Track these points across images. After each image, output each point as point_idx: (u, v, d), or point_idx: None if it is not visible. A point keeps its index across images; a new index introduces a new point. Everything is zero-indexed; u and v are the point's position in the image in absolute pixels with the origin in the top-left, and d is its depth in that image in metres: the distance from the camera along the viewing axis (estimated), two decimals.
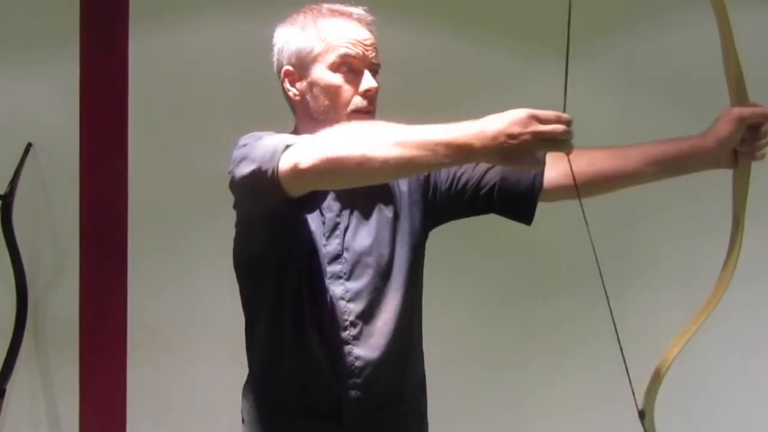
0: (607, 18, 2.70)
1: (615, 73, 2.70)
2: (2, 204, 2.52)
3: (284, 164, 1.20)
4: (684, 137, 1.45)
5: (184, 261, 2.65)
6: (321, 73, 1.41)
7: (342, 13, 1.42)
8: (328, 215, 1.43)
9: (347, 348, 1.40)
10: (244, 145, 1.33)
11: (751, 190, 2.85)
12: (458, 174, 1.49)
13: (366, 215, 1.45)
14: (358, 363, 1.41)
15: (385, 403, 1.44)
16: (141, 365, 2.65)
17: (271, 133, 1.37)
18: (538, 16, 2.67)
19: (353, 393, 1.41)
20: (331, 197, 1.43)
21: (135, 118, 2.60)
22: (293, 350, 1.42)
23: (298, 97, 1.47)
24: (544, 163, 1.36)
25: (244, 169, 1.26)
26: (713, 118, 2.80)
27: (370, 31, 1.42)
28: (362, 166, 1.14)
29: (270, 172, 1.21)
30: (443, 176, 1.50)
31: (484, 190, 1.47)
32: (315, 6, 1.46)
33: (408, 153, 1.13)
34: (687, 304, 2.73)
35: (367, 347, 1.41)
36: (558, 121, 1.15)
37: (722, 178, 2.82)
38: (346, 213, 1.44)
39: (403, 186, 1.49)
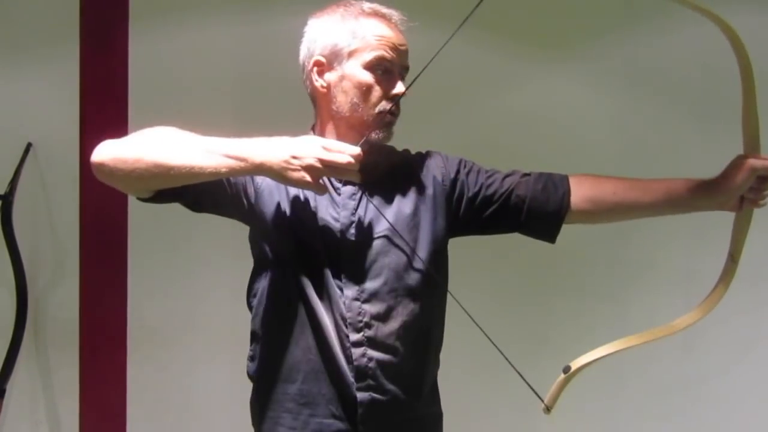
0: (607, 18, 2.70)
1: (615, 73, 2.70)
2: (2, 204, 2.52)
3: (92, 157, 1.37)
4: (699, 180, 1.52)
5: (184, 261, 2.65)
6: (355, 70, 1.42)
7: (383, 15, 1.44)
8: (343, 213, 1.43)
9: (361, 350, 1.39)
10: None
11: None
12: (485, 187, 1.50)
13: (385, 214, 1.45)
14: (371, 365, 1.40)
15: (400, 405, 1.43)
16: (141, 365, 2.65)
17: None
18: (538, 16, 2.68)
19: (367, 395, 1.40)
20: (346, 195, 1.44)
21: (135, 118, 2.60)
22: (306, 350, 1.41)
23: (324, 89, 1.47)
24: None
25: None
26: (712, 118, 2.82)
27: (404, 34, 1.46)
28: (156, 167, 1.33)
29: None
30: (471, 187, 1.50)
31: (512, 209, 1.49)
32: (355, 2, 1.46)
33: (197, 160, 1.34)
34: (686, 306, 2.74)
35: (381, 349, 1.40)
36: (344, 152, 1.29)
37: None
38: (362, 211, 1.44)
39: (428, 189, 1.48)
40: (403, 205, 1.46)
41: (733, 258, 1.45)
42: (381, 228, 1.43)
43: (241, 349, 2.55)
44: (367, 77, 1.41)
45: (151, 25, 2.61)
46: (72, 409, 2.62)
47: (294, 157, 1.29)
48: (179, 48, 2.62)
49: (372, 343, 1.40)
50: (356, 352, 1.39)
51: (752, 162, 1.44)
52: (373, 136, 1.42)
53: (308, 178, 1.28)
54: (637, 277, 2.73)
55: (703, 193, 1.51)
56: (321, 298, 1.40)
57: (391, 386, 1.41)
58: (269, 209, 1.45)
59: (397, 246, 1.43)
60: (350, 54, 1.42)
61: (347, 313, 1.39)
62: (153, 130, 1.42)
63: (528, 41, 2.67)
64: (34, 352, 2.62)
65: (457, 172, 1.51)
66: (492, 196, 1.49)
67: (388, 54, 1.41)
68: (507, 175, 1.52)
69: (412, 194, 1.47)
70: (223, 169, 1.33)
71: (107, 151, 1.37)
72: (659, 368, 2.73)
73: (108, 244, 2.63)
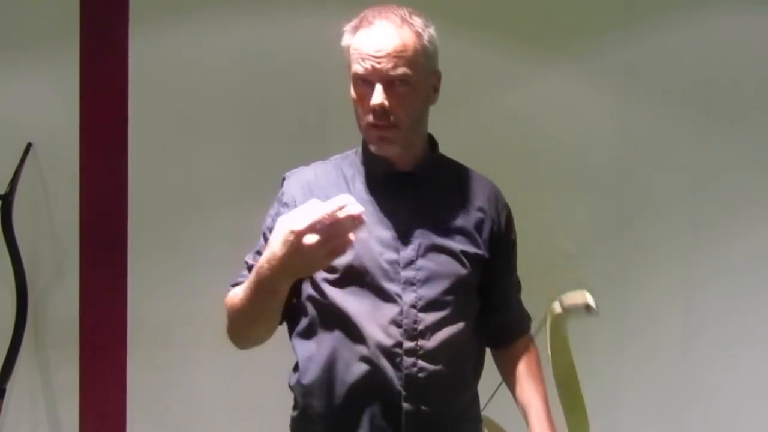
0: (607, 18, 2.70)
1: (615, 73, 2.70)
2: (2, 204, 2.52)
3: None
4: (530, 414, 1.56)
5: (184, 261, 2.65)
6: (351, 87, 1.44)
7: (369, 23, 1.40)
8: (403, 220, 1.43)
9: (412, 359, 1.38)
10: None
11: (750, 190, 2.86)
12: (494, 275, 1.54)
13: (441, 225, 1.46)
14: (422, 375, 1.38)
15: (444, 417, 1.42)
16: (141, 365, 2.65)
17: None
18: (538, 16, 2.68)
19: (413, 406, 1.38)
20: (404, 204, 1.45)
21: (135, 118, 2.60)
22: (355, 356, 1.39)
23: None
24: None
25: None
26: (712, 118, 2.82)
27: (401, 36, 1.37)
28: (244, 336, 1.43)
29: None
30: (495, 258, 1.53)
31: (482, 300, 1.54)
32: (367, 12, 1.43)
33: (249, 311, 1.33)
34: (685, 305, 2.75)
35: (432, 360, 1.38)
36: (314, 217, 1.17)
37: (721, 178, 2.83)
38: (419, 219, 1.45)
39: (483, 216, 1.51)
40: (459, 217, 1.48)
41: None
42: (439, 238, 1.44)
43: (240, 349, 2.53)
44: (353, 93, 1.43)
45: (151, 25, 2.61)
46: (72, 409, 2.62)
47: (292, 257, 1.18)
48: (179, 48, 2.62)
49: (424, 352, 1.38)
50: (407, 361, 1.37)
51: None
52: (371, 149, 1.45)
53: (323, 260, 1.19)
54: (636, 276, 2.73)
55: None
56: (374, 306, 1.38)
57: (438, 398, 1.40)
58: None
59: (452, 257, 1.44)
60: (349, 72, 1.44)
61: (404, 320, 1.38)
62: (226, 299, 1.46)
63: (528, 41, 2.67)
64: (34, 352, 2.62)
65: (507, 229, 1.56)
66: (489, 280, 1.53)
67: (360, 67, 1.38)
68: (507, 288, 1.61)
69: (468, 210, 1.50)
70: (270, 294, 1.29)
71: (228, 332, 1.45)
72: (659, 368, 2.73)
73: (108, 244, 2.63)
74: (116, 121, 2.60)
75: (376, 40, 1.37)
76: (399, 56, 1.36)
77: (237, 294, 1.36)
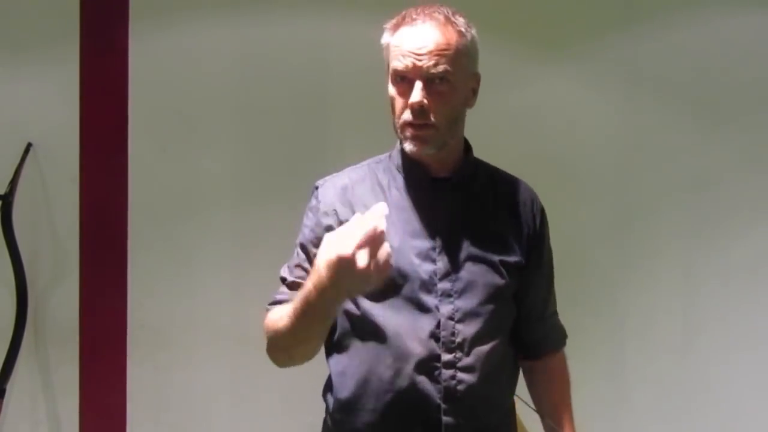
0: (607, 18, 2.70)
1: (615, 73, 2.70)
2: (2, 204, 2.52)
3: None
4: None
5: (184, 261, 2.64)
6: (388, 84, 1.41)
7: (412, 20, 1.37)
8: (441, 228, 1.41)
9: (451, 371, 1.36)
10: None
11: (750, 190, 2.87)
12: (529, 281, 1.52)
13: (479, 231, 1.43)
14: (460, 387, 1.37)
15: (487, 429, 1.41)
16: (141, 365, 2.65)
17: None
18: (538, 16, 2.68)
19: (453, 419, 1.36)
20: (441, 212, 1.42)
21: (135, 118, 2.60)
22: (392, 370, 1.36)
23: None
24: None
25: None
26: (712, 117, 2.82)
27: (444, 34, 1.35)
28: (290, 356, 1.34)
29: None
30: (530, 263, 1.50)
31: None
32: (409, 10, 1.40)
33: (296, 334, 1.26)
34: (685, 305, 2.74)
35: (470, 372, 1.37)
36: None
37: (721, 178, 2.83)
38: (456, 227, 1.42)
39: (521, 221, 1.49)
40: (496, 224, 1.45)
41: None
42: (476, 248, 1.41)
43: (241, 349, 2.56)
44: (391, 90, 1.39)
45: (151, 25, 2.61)
46: (72, 409, 2.62)
47: (340, 278, 1.11)
48: (179, 48, 2.62)
49: (462, 365, 1.37)
50: (446, 374, 1.36)
51: None
52: (405, 147, 1.39)
53: (374, 276, 1.10)
54: (636, 277, 2.73)
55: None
56: (411, 318, 1.36)
57: (477, 410, 1.38)
58: None
59: (490, 267, 1.41)
60: (387, 69, 1.41)
61: (442, 332, 1.36)
62: (267, 320, 1.38)
63: (528, 41, 2.67)
64: (34, 352, 2.62)
65: (542, 234, 1.53)
66: (523, 288, 1.49)
67: (399, 64, 1.35)
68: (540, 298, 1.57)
69: (505, 216, 1.47)
70: (316, 324, 1.25)
71: (268, 351, 1.39)
72: (659, 368, 2.73)
73: (108, 244, 2.63)
74: (116, 121, 2.60)
75: (419, 36, 1.35)
76: (441, 54, 1.34)
77: (281, 317, 1.29)
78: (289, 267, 1.47)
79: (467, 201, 1.45)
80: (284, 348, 1.33)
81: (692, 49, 2.70)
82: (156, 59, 2.61)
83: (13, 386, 2.58)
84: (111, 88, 2.60)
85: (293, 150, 2.63)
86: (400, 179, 1.45)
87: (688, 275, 2.73)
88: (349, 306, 1.40)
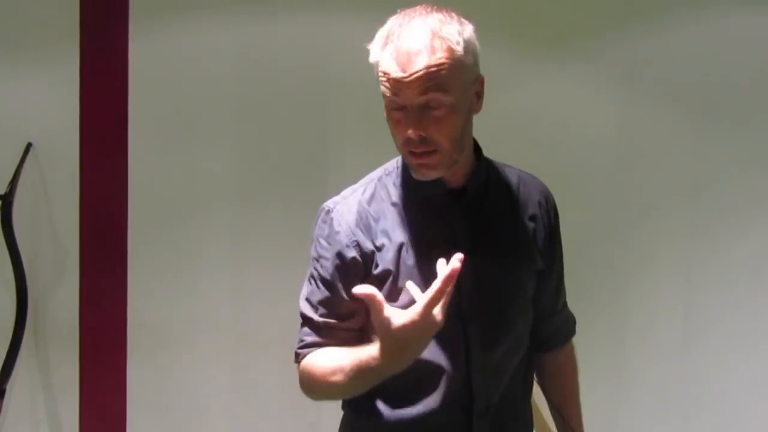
0: (607, 18, 2.69)
1: (615, 72, 2.70)
2: (2, 204, 2.52)
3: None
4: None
5: (184, 261, 2.65)
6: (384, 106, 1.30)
7: (394, 39, 1.23)
8: (461, 246, 1.31)
9: (482, 379, 1.34)
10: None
11: (750, 189, 2.87)
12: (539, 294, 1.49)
13: (499, 245, 1.39)
14: (493, 400, 1.35)
15: None
16: (141, 365, 2.65)
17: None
18: (538, 16, 2.68)
19: (487, 424, 1.35)
20: (458, 228, 1.36)
21: (135, 118, 2.60)
22: (415, 394, 1.34)
23: None
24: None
25: None
26: (712, 118, 2.82)
27: (432, 55, 1.21)
28: (333, 399, 1.37)
29: None
30: (542, 286, 1.48)
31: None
32: (393, 21, 1.27)
33: (349, 390, 1.29)
34: (685, 306, 2.74)
35: (498, 376, 1.36)
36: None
37: (721, 178, 2.83)
38: (475, 244, 1.35)
39: (537, 221, 1.45)
40: (515, 233, 1.41)
41: None
42: (495, 266, 1.37)
43: (241, 348, 2.56)
44: (389, 118, 1.28)
45: (151, 25, 2.60)
46: (72, 409, 2.62)
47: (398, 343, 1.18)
48: (179, 48, 2.62)
49: (493, 374, 1.36)
50: (479, 385, 1.34)
51: None
52: (413, 175, 1.32)
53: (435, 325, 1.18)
54: (636, 277, 2.73)
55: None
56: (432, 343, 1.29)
57: (506, 419, 1.38)
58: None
59: (512, 281, 1.39)
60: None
61: (465, 356, 1.33)
62: (311, 367, 1.35)
63: (528, 41, 2.66)
64: (34, 352, 2.62)
65: (556, 232, 1.50)
66: (540, 288, 1.47)
67: (388, 92, 1.24)
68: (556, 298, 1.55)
69: (522, 221, 1.43)
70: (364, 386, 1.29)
71: (307, 392, 1.39)
72: (659, 368, 2.73)
73: (108, 244, 2.63)
74: (116, 121, 2.60)
75: (404, 61, 1.20)
76: (430, 78, 1.20)
77: (325, 370, 1.29)
78: (310, 302, 1.37)
79: (484, 211, 1.38)
80: (332, 397, 1.36)
81: (692, 48, 2.69)
82: (156, 59, 2.61)
83: (13, 386, 2.58)
84: (111, 88, 2.60)
85: (293, 150, 2.63)
86: (412, 193, 1.36)
87: (688, 275, 2.73)
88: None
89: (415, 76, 1.20)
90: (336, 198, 1.40)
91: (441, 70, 1.21)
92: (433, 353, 1.31)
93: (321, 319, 1.35)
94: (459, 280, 1.22)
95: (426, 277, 1.27)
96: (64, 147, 2.58)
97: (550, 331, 1.54)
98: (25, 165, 2.56)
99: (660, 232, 2.73)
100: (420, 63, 1.20)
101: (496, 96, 2.71)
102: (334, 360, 1.28)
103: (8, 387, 2.55)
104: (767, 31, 2.71)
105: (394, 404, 1.35)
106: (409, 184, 1.36)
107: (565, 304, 1.59)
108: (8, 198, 2.52)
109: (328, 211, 1.37)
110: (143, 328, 2.64)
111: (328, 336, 1.34)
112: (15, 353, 2.53)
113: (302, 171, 2.62)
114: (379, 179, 1.40)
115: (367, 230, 1.33)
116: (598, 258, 2.71)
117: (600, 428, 2.69)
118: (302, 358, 1.36)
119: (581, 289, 2.66)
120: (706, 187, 2.73)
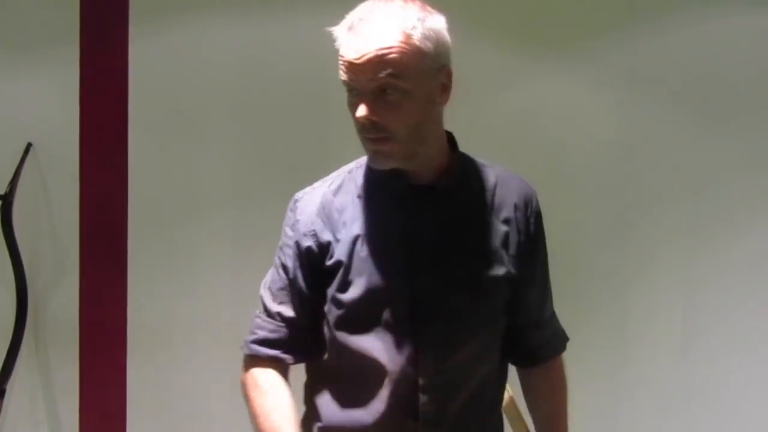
0: (607, 18, 2.69)
1: (615, 72, 2.70)
2: (2, 204, 2.52)
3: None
4: None
5: (184, 261, 2.65)
6: None
7: (351, 24, 1.23)
8: (424, 245, 1.30)
9: (427, 396, 1.29)
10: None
11: (750, 189, 2.87)
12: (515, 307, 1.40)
13: (466, 245, 1.33)
14: (451, 410, 1.30)
15: None
16: (141, 365, 2.65)
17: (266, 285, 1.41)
18: (538, 16, 2.67)
19: None
20: (424, 226, 1.31)
21: (135, 118, 2.60)
22: (371, 397, 1.30)
23: None
24: None
25: None
26: (712, 118, 2.81)
27: (385, 38, 1.19)
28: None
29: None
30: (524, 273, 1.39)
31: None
32: (358, 8, 1.26)
33: None
34: (686, 305, 2.74)
35: (467, 393, 1.32)
36: None
37: (721, 178, 2.83)
38: (440, 243, 1.31)
39: (513, 226, 1.36)
40: (485, 236, 1.33)
41: None
42: (460, 267, 1.30)
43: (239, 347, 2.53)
44: (348, 104, 1.26)
45: (151, 25, 2.61)
46: (72, 409, 2.62)
47: None
48: (179, 48, 2.62)
49: (444, 378, 1.30)
50: (423, 398, 1.28)
51: None
52: (369, 162, 1.32)
53: None
54: (636, 277, 2.73)
55: None
56: (388, 345, 1.28)
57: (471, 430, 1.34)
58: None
59: (475, 286, 1.31)
60: None
61: (422, 359, 1.28)
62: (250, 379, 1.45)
63: (528, 41, 2.66)
64: (34, 352, 2.62)
65: (536, 237, 1.40)
66: (517, 296, 1.38)
67: (345, 77, 1.23)
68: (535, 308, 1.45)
69: (494, 224, 1.34)
70: None
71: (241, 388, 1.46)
72: (659, 368, 2.73)
73: (108, 244, 2.63)
74: (116, 121, 2.60)
75: (357, 44, 1.20)
76: (383, 61, 1.18)
77: (257, 404, 1.38)
78: (270, 290, 1.37)
79: (453, 211, 1.32)
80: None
81: (692, 49, 2.69)
82: (156, 59, 2.61)
83: (13, 386, 2.58)
84: (111, 88, 2.60)
85: (293, 150, 2.63)
86: (377, 187, 1.33)
87: (688, 275, 2.73)
88: (327, 333, 1.33)
89: (365, 58, 1.19)
90: (307, 188, 1.41)
91: (392, 53, 1.19)
92: (379, 353, 1.28)
93: (277, 308, 1.36)
94: (412, 276, 1.23)
95: (377, 270, 1.26)
96: (64, 147, 2.58)
97: (536, 345, 1.45)
98: (25, 165, 2.56)
99: (660, 232, 2.73)
100: (371, 45, 1.19)
101: (497, 96, 2.73)
102: (266, 406, 1.36)
103: (8, 387, 2.55)
104: (767, 31, 2.71)
105: (344, 404, 1.33)
106: (374, 177, 1.33)
107: (553, 315, 1.50)
108: (8, 198, 2.52)
109: (296, 201, 1.39)
110: (143, 328, 2.64)
111: (279, 330, 1.36)
112: (15, 353, 2.53)
113: (302, 171, 2.60)
114: (350, 172, 1.39)
115: (329, 221, 1.32)
116: (598, 258, 2.71)
117: (600, 427, 2.70)
118: (250, 359, 1.42)
119: (581, 289, 2.68)
120: (706, 187, 2.72)
